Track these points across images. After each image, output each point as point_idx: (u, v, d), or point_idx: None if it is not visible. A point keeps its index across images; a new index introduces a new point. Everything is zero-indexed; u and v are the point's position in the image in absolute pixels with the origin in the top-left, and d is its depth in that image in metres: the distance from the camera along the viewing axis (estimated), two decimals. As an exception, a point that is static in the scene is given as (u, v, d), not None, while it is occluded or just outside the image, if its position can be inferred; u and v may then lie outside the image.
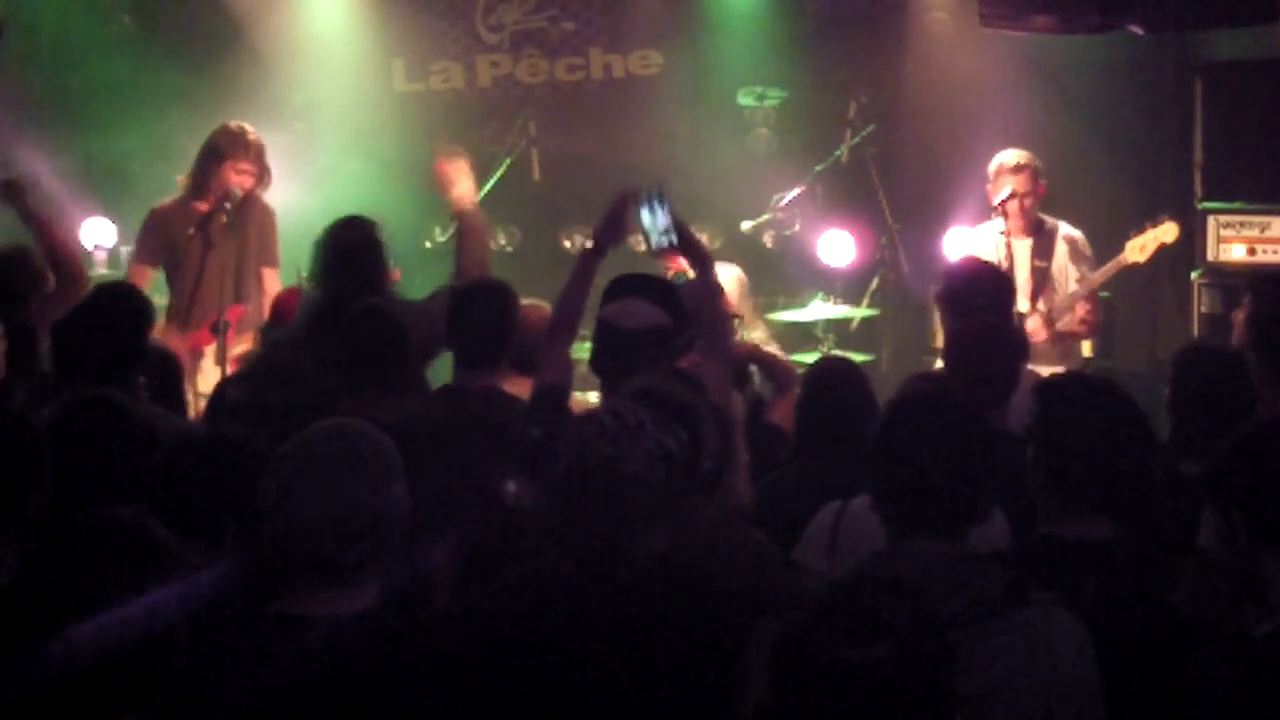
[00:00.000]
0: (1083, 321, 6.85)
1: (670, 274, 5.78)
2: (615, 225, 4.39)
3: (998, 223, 6.81)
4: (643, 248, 4.53)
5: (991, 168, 6.91)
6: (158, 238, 6.86)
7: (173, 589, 2.57)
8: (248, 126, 6.87)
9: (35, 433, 3.38)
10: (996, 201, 6.81)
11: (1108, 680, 2.88)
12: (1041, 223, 6.92)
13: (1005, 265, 6.50)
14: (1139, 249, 6.73)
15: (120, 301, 4.81)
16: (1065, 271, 6.87)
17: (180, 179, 6.92)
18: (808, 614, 2.16)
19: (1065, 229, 6.92)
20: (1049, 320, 6.79)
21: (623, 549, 2.98)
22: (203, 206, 6.69)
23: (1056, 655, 2.82)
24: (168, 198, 6.97)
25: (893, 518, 2.96)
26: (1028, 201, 6.83)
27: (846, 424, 4.24)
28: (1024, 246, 6.87)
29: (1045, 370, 6.34)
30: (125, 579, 2.45)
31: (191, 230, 6.60)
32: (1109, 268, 6.78)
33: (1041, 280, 6.86)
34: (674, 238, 4.35)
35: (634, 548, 2.98)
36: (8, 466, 3.25)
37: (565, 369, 4.20)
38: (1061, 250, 6.88)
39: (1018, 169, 6.83)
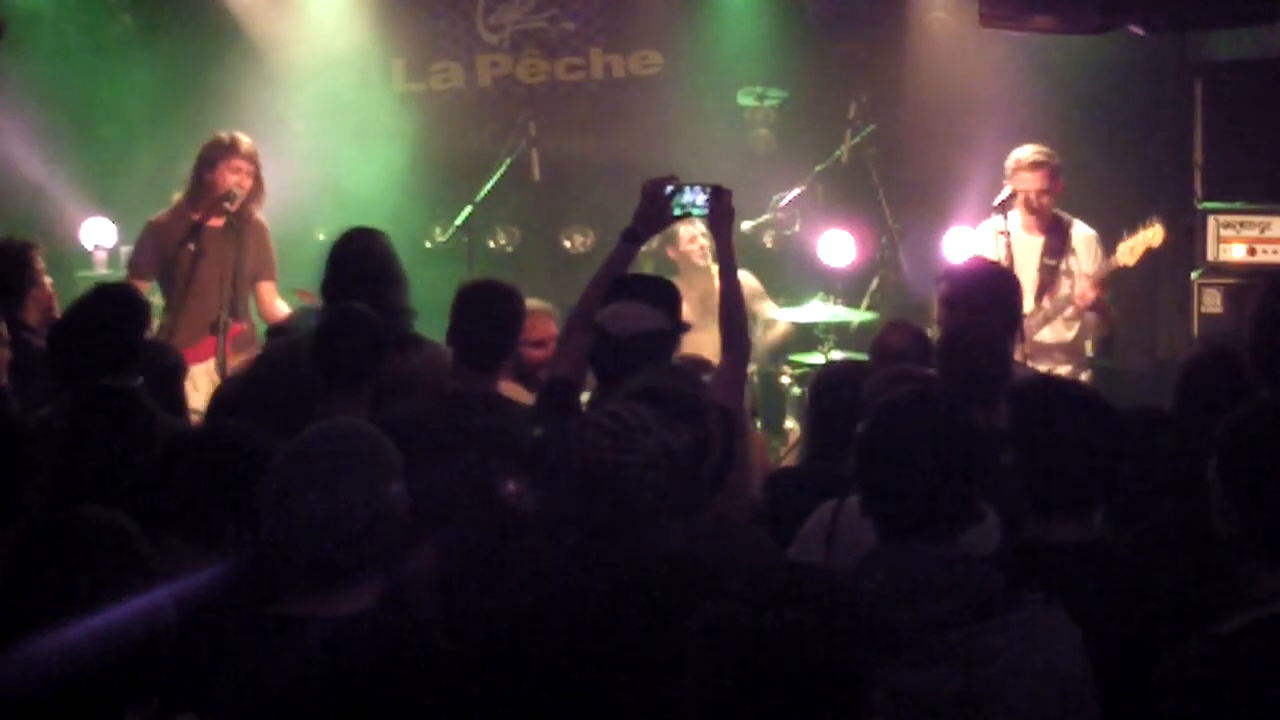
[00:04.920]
0: (1096, 312, 6.84)
1: None
2: (654, 214, 4.37)
3: (996, 221, 6.81)
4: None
5: (1009, 163, 6.89)
6: (152, 249, 6.86)
7: (172, 588, 2.58)
8: (240, 134, 6.88)
9: (27, 431, 3.39)
10: (996, 202, 6.81)
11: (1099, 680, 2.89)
12: (1057, 220, 6.93)
13: (1005, 264, 6.50)
14: (1128, 251, 6.75)
15: (117, 301, 4.81)
16: (1075, 271, 6.87)
17: (176, 195, 6.94)
18: (733, 588, 2.20)
19: (1080, 228, 6.92)
20: (1047, 320, 6.80)
21: (624, 549, 2.98)
22: (198, 215, 6.68)
23: (1052, 656, 2.83)
24: (164, 210, 6.97)
25: (883, 520, 2.96)
26: (1045, 199, 6.84)
27: (852, 425, 4.25)
28: (1035, 244, 6.87)
29: (1053, 369, 6.38)
30: (97, 580, 2.46)
31: (184, 240, 6.60)
32: (1100, 270, 6.79)
33: (1049, 278, 6.86)
34: (704, 208, 4.39)
35: (636, 547, 2.98)
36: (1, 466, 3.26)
37: (578, 363, 4.18)
38: (1075, 248, 6.88)
39: (1034, 165, 6.83)
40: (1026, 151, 6.87)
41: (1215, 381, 4.36)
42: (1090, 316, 6.85)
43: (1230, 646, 2.67)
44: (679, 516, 3.04)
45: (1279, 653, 2.64)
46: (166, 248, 6.78)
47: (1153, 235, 6.73)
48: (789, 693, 2.10)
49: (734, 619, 2.14)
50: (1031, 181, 6.81)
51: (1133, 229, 6.77)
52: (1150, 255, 6.82)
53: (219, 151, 6.80)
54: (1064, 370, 6.66)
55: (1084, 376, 6.84)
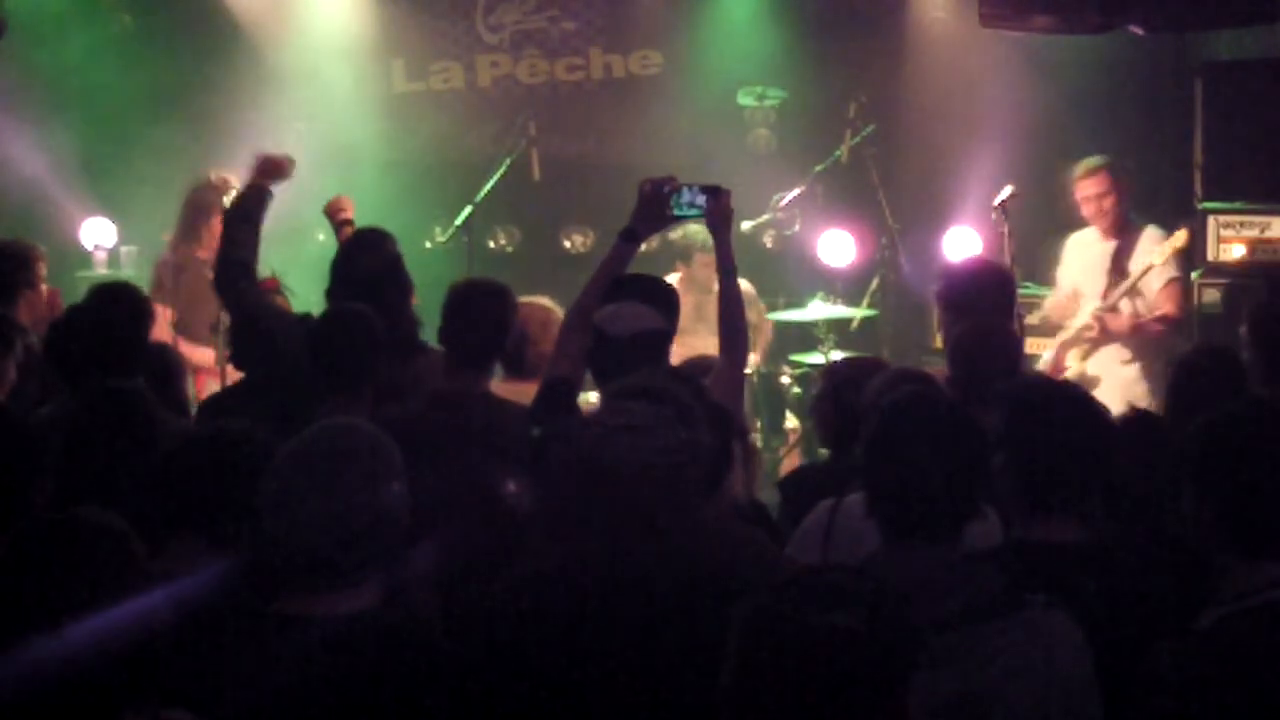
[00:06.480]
0: (1164, 315, 6.95)
1: None
2: (652, 214, 4.37)
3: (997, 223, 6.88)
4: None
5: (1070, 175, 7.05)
6: (159, 284, 6.98)
7: (170, 588, 2.58)
8: (228, 176, 6.90)
9: (32, 431, 3.39)
10: (996, 202, 6.84)
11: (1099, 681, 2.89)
12: (1128, 224, 7.04)
13: (1007, 263, 6.52)
14: (1159, 255, 6.90)
15: (118, 301, 4.81)
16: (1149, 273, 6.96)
17: (167, 237, 7.02)
18: (777, 587, 2.19)
19: (1151, 230, 7.03)
20: (1100, 320, 6.93)
21: (624, 548, 2.98)
22: (203, 254, 6.77)
23: (1053, 657, 2.82)
24: (163, 251, 7.12)
25: (887, 521, 2.96)
26: (1106, 202, 6.97)
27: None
28: (1107, 249, 7.02)
29: (1120, 361, 6.78)
30: (93, 581, 2.46)
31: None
32: (1138, 274, 6.90)
33: (1119, 282, 6.94)
34: (703, 209, 4.39)
35: (636, 547, 2.98)
36: (5, 466, 3.26)
37: (577, 363, 4.17)
38: (1142, 250, 6.97)
39: (1089, 172, 6.98)
40: (1082, 165, 7.01)
41: (1207, 381, 4.37)
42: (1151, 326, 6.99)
43: (1206, 643, 2.68)
44: (672, 518, 3.04)
45: (1253, 646, 2.65)
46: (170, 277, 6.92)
47: (1176, 238, 6.92)
48: (833, 695, 2.11)
49: (782, 618, 2.15)
50: (1087, 188, 6.95)
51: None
52: (1173, 256, 6.92)
53: (215, 199, 6.85)
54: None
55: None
